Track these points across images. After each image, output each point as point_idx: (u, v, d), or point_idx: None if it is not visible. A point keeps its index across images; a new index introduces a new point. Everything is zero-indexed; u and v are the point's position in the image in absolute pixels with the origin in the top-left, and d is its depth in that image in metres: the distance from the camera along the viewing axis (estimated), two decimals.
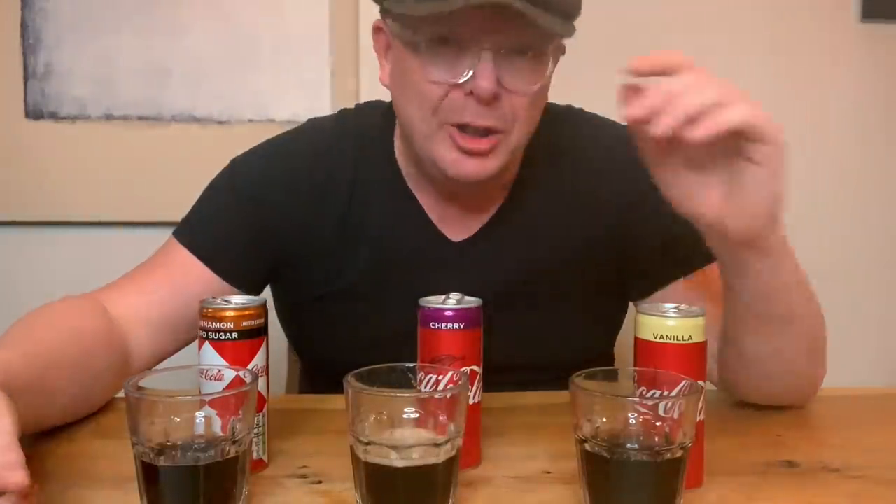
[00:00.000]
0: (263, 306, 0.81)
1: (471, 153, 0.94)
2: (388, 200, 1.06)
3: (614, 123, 1.09)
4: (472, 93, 0.90)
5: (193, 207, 1.09)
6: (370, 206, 1.06)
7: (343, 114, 1.14)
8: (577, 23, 0.93)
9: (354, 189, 1.06)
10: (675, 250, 1.04)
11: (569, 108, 1.15)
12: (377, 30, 1.01)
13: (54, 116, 1.80)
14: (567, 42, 0.96)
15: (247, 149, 1.12)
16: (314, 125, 1.13)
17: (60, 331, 0.91)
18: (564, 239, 1.08)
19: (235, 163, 1.10)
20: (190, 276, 1.03)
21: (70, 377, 0.89)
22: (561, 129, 1.09)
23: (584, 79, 1.84)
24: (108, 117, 1.81)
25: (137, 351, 0.99)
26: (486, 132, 0.93)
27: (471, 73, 0.90)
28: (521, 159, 1.06)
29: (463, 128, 0.93)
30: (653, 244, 1.06)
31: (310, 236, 1.06)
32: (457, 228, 1.07)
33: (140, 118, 1.81)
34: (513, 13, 0.85)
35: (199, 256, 1.03)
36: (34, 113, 1.80)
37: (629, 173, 1.02)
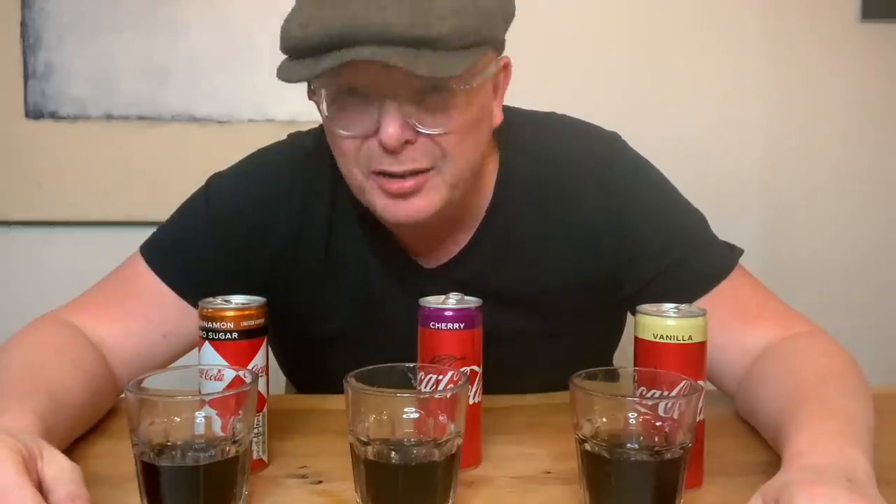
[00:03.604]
0: (263, 306, 0.81)
1: (398, 195, 0.90)
2: (360, 232, 1.03)
3: (600, 135, 1.06)
4: (379, 143, 0.87)
5: (166, 229, 1.06)
6: (348, 238, 1.03)
7: (321, 134, 1.03)
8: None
9: (333, 219, 1.03)
10: (678, 276, 0.99)
11: (549, 117, 1.09)
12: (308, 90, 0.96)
13: (54, 116, 1.80)
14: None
15: (243, 149, 1.10)
16: (293, 147, 1.08)
17: (74, 375, 0.88)
18: (547, 264, 1.03)
19: (211, 187, 1.06)
20: (166, 310, 1.00)
21: (87, 421, 0.90)
22: (541, 143, 1.04)
23: (582, 78, 1.84)
24: (108, 117, 1.81)
25: (122, 381, 0.97)
26: (411, 173, 0.89)
27: (378, 123, 0.87)
28: (497, 181, 1.02)
29: (385, 173, 0.90)
30: (651, 271, 1.00)
31: (289, 268, 1.04)
32: (431, 256, 1.03)
33: (140, 118, 1.81)
34: (384, 65, 0.81)
35: (174, 288, 1.00)
36: (34, 113, 1.80)
37: (619, 197, 1.01)
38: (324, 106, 0.90)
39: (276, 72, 0.88)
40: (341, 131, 0.90)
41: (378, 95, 0.87)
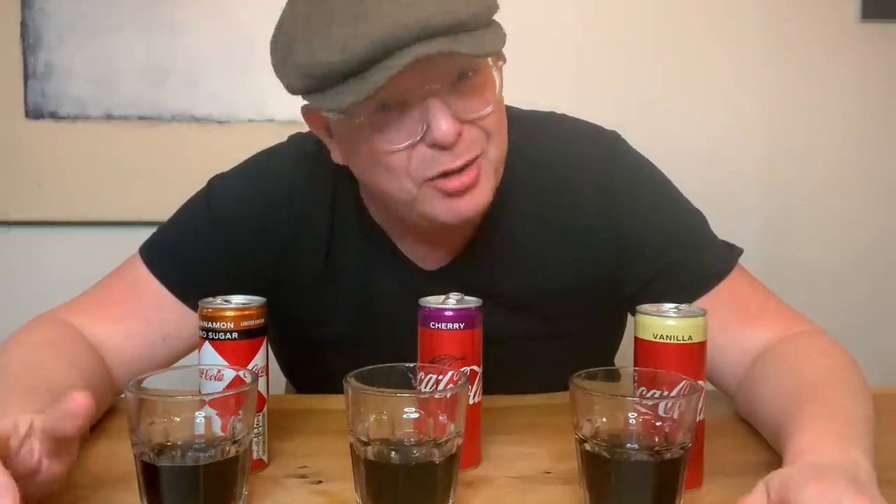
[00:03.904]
0: (263, 306, 0.81)
1: (460, 192, 0.89)
2: (360, 236, 1.03)
3: (600, 135, 1.06)
4: (434, 143, 0.86)
5: (167, 230, 1.06)
6: (348, 241, 1.03)
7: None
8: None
9: (333, 223, 1.03)
10: (678, 275, 0.99)
11: (549, 118, 1.09)
12: (308, 114, 0.95)
13: (54, 116, 1.80)
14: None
15: (243, 149, 1.09)
16: (295, 150, 1.07)
17: (72, 374, 0.88)
18: (546, 268, 1.03)
19: (213, 189, 1.06)
20: (166, 312, 1.00)
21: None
22: (541, 146, 1.04)
23: (582, 79, 1.84)
24: (108, 117, 1.81)
25: (120, 383, 0.97)
26: (465, 166, 0.89)
27: (425, 125, 0.86)
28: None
29: (445, 173, 0.89)
30: (650, 271, 1.00)
31: (290, 272, 1.04)
32: (430, 258, 1.04)
33: (140, 118, 1.81)
34: (439, 55, 0.81)
35: (173, 291, 1.00)
36: (34, 113, 1.80)
37: (618, 199, 1.01)
38: (368, 130, 0.88)
39: (314, 103, 0.87)
40: (389, 146, 0.88)
41: (418, 98, 0.86)
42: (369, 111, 0.87)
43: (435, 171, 0.88)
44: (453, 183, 0.89)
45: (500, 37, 0.89)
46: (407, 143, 0.88)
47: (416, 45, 0.81)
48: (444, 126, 0.85)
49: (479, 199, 0.91)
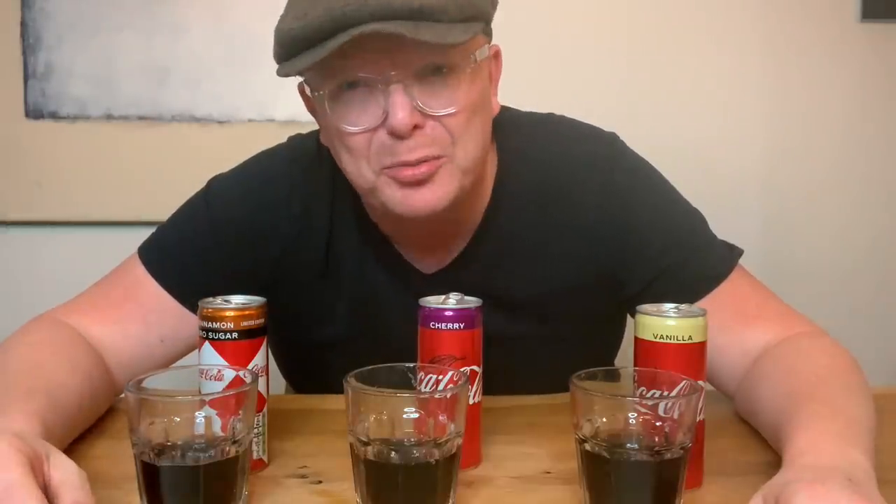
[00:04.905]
0: (263, 306, 0.81)
1: (414, 183, 0.89)
2: (359, 237, 1.03)
3: (600, 136, 1.06)
4: (391, 131, 0.86)
5: (165, 231, 1.06)
6: (346, 243, 1.03)
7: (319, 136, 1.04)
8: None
9: (332, 224, 1.03)
10: (678, 276, 0.99)
11: (549, 119, 1.08)
12: (301, 92, 0.96)
13: (54, 116, 1.80)
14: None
15: (243, 149, 1.09)
16: (294, 151, 1.08)
17: (72, 374, 0.88)
18: (546, 268, 1.02)
19: (212, 190, 1.06)
20: (164, 314, 1.00)
21: (84, 422, 0.89)
22: (540, 146, 1.04)
23: (581, 79, 1.84)
24: (108, 117, 1.81)
25: (119, 383, 0.97)
26: (423, 160, 0.88)
27: (386, 112, 0.86)
28: (495, 184, 1.02)
29: (399, 165, 0.89)
30: (651, 271, 1.00)
31: (289, 273, 1.04)
32: (428, 261, 1.03)
33: (140, 118, 1.81)
34: (397, 38, 0.81)
35: (171, 292, 1.00)
36: (34, 113, 1.80)
37: (618, 198, 1.01)
38: (326, 105, 0.90)
39: (276, 71, 0.89)
40: (349, 127, 0.89)
41: (382, 82, 0.86)
42: (334, 88, 0.88)
43: (391, 160, 0.88)
44: (404, 172, 0.88)
45: (473, 35, 0.87)
46: (366, 127, 0.88)
47: (371, 23, 0.81)
48: (399, 114, 0.85)
49: (436, 195, 0.90)
